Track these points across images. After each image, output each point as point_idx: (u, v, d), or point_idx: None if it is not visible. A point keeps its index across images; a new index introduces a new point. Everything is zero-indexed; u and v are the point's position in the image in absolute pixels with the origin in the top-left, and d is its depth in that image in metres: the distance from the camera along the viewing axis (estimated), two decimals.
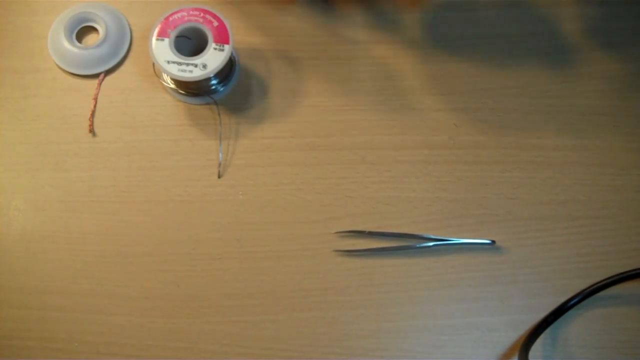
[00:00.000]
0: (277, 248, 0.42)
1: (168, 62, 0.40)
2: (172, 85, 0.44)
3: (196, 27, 0.41)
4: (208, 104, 0.44)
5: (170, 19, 0.41)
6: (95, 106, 0.45)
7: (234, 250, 0.42)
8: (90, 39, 0.46)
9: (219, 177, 0.43)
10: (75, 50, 0.45)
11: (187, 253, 0.42)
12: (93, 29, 0.46)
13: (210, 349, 0.40)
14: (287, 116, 0.44)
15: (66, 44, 0.45)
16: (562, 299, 0.40)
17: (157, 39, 0.41)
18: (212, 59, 0.41)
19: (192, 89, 0.44)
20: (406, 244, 0.42)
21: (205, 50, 0.41)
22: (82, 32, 0.46)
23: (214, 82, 0.44)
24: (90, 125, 0.44)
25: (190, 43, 0.42)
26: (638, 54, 0.45)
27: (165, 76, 0.44)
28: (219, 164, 0.43)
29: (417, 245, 0.41)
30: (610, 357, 0.40)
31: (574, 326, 0.40)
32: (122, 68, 0.45)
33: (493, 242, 0.41)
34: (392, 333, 0.40)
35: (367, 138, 0.44)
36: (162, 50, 0.41)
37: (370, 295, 0.41)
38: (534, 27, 0.46)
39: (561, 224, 0.42)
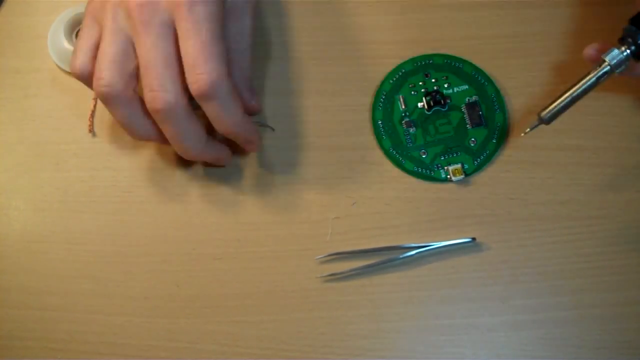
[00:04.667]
0: (277, 248, 0.42)
1: None
2: None
3: None
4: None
5: None
6: (95, 106, 0.45)
7: (234, 250, 0.42)
8: None
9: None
10: None
11: (187, 253, 0.42)
12: None
13: (210, 349, 0.40)
14: (287, 116, 0.44)
15: (66, 44, 0.45)
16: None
17: None
18: None
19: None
20: (403, 251, 0.41)
21: None
22: None
23: None
24: (90, 125, 0.44)
25: None
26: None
27: None
28: None
29: (415, 252, 0.41)
30: (610, 357, 0.40)
31: (574, 326, 0.40)
32: None
33: (473, 239, 0.41)
34: (392, 333, 0.40)
35: (368, 138, 0.44)
36: None
37: (370, 295, 0.41)
38: (533, 28, 0.46)
39: (561, 224, 0.42)
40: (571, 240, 0.42)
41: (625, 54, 0.37)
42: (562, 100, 0.38)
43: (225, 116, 0.37)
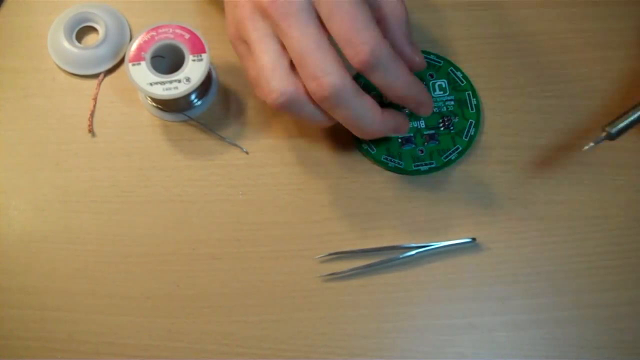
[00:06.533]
0: (277, 248, 0.42)
1: (151, 84, 0.40)
2: (159, 106, 0.44)
3: (169, 44, 0.41)
4: (184, 120, 0.44)
5: (142, 41, 0.41)
6: (94, 106, 0.45)
7: (234, 250, 0.42)
8: (90, 39, 0.46)
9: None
10: (75, 50, 0.45)
11: (187, 253, 0.42)
12: (93, 29, 0.46)
13: (210, 349, 0.40)
14: (287, 116, 0.44)
15: (66, 44, 0.45)
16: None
17: (133, 65, 0.40)
18: (194, 70, 0.40)
19: (173, 106, 0.43)
20: (403, 251, 0.41)
21: (185, 64, 0.40)
22: (82, 32, 0.46)
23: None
24: (90, 125, 0.44)
25: (165, 62, 0.42)
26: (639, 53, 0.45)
27: (145, 99, 0.44)
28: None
29: (415, 252, 0.41)
30: (610, 357, 0.40)
31: (574, 326, 0.40)
32: (122, 68, 0.45)
33: (473, 239, 0.41)
34: (392, 333, 0.40)
35: None
36: (141, 74, 0.40)
37: (370, 295, 0.41)
38: (534, 27, 0.46)
39: (561, 224, 0.42)
40: (571, 240, 0.42)
41: None
42: (631, 116, 0.37)
43: (393, 81, 0.35)
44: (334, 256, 0.42)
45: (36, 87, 0.45)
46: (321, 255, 0.41)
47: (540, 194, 0.43)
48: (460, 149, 0.43)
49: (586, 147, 0.37)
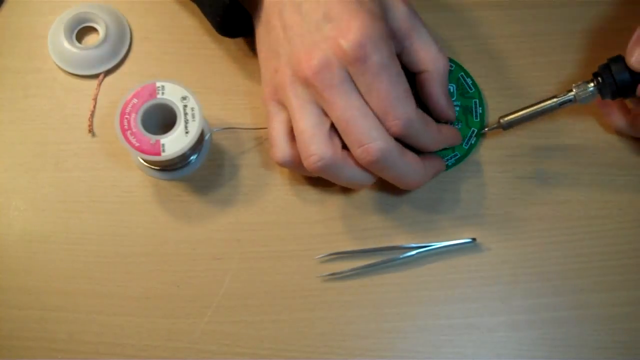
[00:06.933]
0: (277, 248, 0.42)
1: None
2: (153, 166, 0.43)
3: (161, 104, 0.40)
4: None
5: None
6: (94, 106, 0.45)
7: (234, 250, 0.42)
8: (90, 39, 0.46)
9: None
10: (75, 50, 0.45)
11: (187, 253, 0.42)
12: (93, 29, 0.46)
13: (210, 349, 0.40)
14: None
15: (66, 44, 0.45)
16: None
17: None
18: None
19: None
20: (403, 251, 0.41)
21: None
22: (82, 32, 0.46)
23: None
24: (90, 125, 0.44)
25: (157, 113, 0.40)
26: None
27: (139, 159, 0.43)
28: None
29: (415, 252, 0.41)
30: (610, 357, 0.40)
31: (574, 326, 0.40)
32: (122, 68, 0.45)
33: (473, 239, 0.41)
34: (392, 333, 0.40)
35: None
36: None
37: (370, 295, 0.41)
38: (534, 28, 0.46)
39: (561, 224, 0.42)
40: (571, 240, 0.42)
41: (590, 90, 0.39)
42: (524, 113, 0.41)
43: (428, 143, 0.39)
44: (334, 256, 0.42)
45: (36, 87, 0.45)
46: (321, 255, 0.41)
47: (540, 194, 0.43)
48: (459, 155, 0.43)
49: (483, 132, 0.43)
